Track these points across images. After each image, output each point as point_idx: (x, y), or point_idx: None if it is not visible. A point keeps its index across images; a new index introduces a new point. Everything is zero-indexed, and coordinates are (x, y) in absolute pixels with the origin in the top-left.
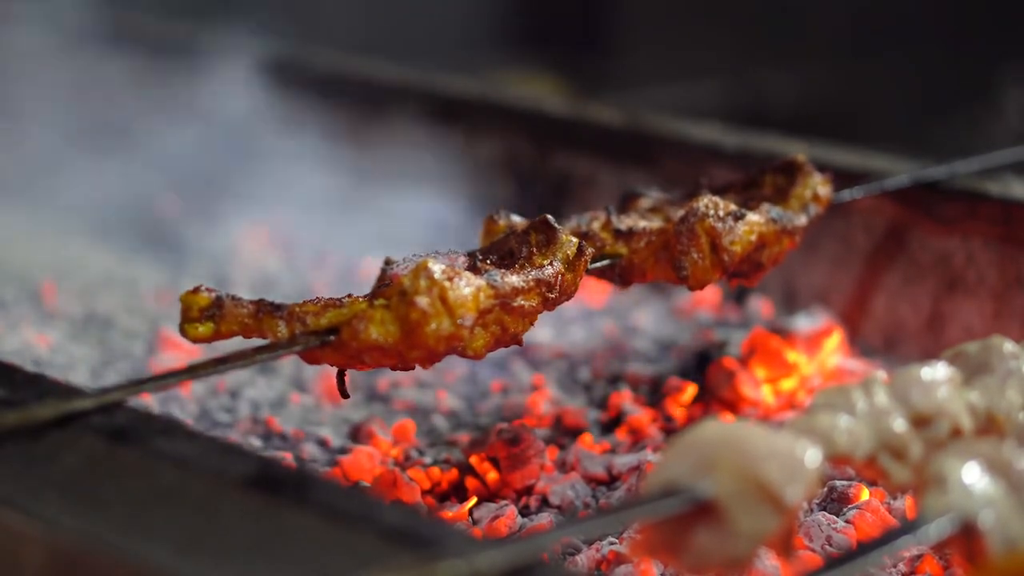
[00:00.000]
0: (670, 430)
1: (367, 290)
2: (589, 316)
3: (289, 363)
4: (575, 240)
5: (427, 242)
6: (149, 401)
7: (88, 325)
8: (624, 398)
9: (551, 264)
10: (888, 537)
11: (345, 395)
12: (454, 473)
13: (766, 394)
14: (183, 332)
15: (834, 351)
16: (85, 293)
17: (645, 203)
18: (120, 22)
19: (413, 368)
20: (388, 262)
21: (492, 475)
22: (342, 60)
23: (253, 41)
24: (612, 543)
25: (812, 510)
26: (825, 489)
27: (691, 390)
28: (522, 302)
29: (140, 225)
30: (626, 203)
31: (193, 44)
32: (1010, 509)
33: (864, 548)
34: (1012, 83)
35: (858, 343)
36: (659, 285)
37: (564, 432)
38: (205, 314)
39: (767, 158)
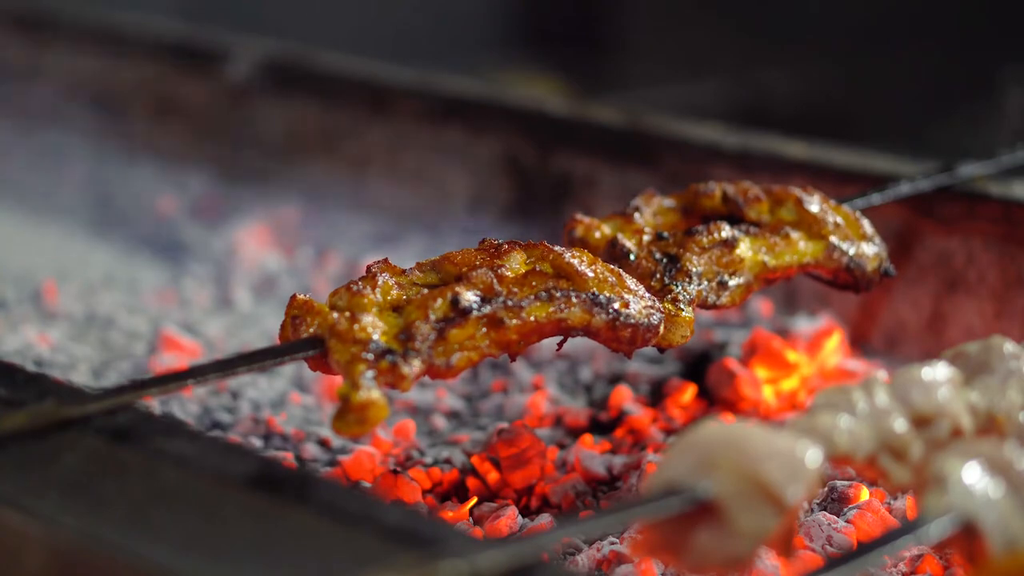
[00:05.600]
0: (670, 430)
1: None
2: None
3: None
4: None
5: (427, 241)
6: (150, 401)
7: (89, 325)
8: (624, 398)
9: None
10: (888, 537)
11: None
12: (455, 473)
13: (767, 394)
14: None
15: (835, 351)
16: (86, 293)
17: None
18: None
19: None
20: (369, 270)
21: (493, 475)
22: (342, 60)
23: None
24: (613, 543)
25: (812, 510)
26: (825, 489)
27: (691, 390)
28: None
29: (140, 225)
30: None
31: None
32: (1010, 509)
33: (864, 548)
34: (1013, 83)
35: (859, 343)
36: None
37: (564, 432)
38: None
39: (767, 158)
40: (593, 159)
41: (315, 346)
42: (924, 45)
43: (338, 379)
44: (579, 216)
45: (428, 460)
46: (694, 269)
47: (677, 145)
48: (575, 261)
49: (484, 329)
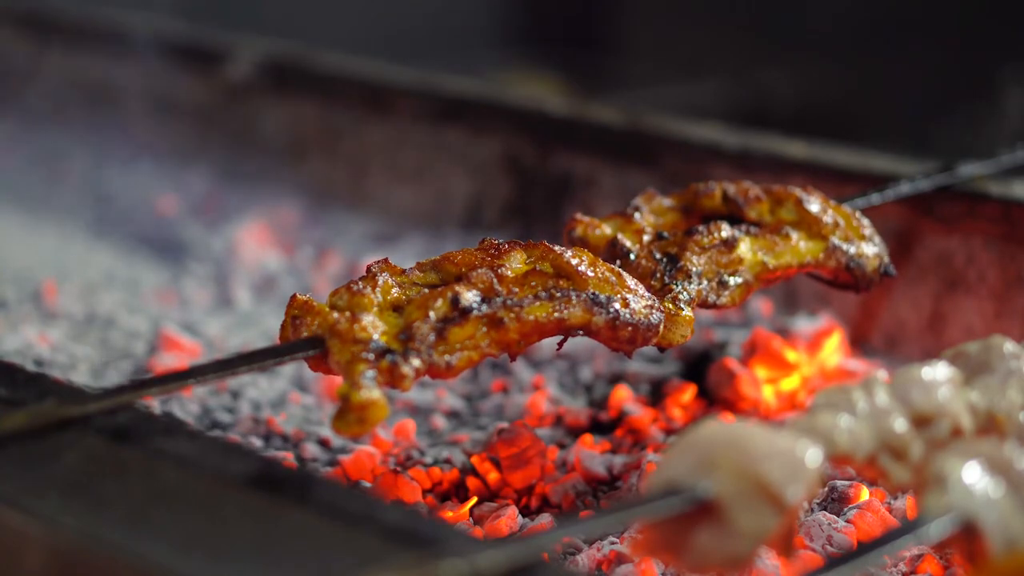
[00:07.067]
0: (670, 430)
1: None
2: None
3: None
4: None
5: (426, 241)
6: (150, 401)
7: (89, 324)
8: (624, 398)
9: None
10: (888, 537)
11: None
12: (455, 473)
13: (767, 394)
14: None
15: (835, 351)
16: (86, 293)
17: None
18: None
19: None
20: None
21: (493, 475)
22: (342, 60)
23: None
24: (613, 543)
25: (813, 510)
26: (826, 489)
27: (691, 390)
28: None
29: (140, 225)
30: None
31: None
32: (1010, 509)
33: (864, 548)
34: (1013, 83)
35: (859, 343)
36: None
37: (564, 432)
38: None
39: (767, 158)
40: (593, 159)
41: (315, 346)
42: (924, 45)
43: (338, 379)
44: (579, 216)
45: (428, 460)
46: (694, 269)
47: (677, 145)
48: (575, 261)
49: (484, 329)
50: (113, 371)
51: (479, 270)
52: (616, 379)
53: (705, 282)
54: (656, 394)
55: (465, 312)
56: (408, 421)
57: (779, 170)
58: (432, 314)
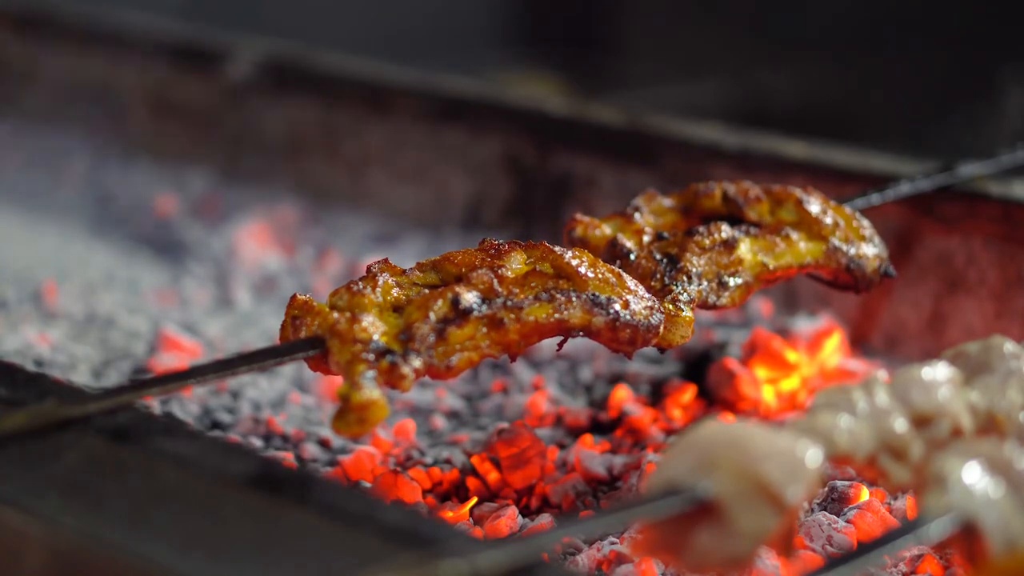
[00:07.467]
0: (670, 430)
1: None
2: None
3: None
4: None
5: (426, 241)
6: (150, 401)
7: (89, 325)
8: (624, 398)
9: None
10: (889, 537)
11: None
12: (455, 473)
13: (767, 394)
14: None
15: (835, 351)
16: (86, 293)
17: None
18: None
19: None
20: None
21: (493, 475)
22: (342, 60)
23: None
24: (613, 543)
25: (813, 510)
26: (826, 489)
27: (691, 390)
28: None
29: (140, 225)
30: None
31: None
32: (1010, 509)
33: (865, 548)
34: (1013, 83)
35: (859, 343)
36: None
37: (564, 432)
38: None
39: (767, 158)
40: (593, 159)
41: (315, 346)
42: (924, 45)
43: (338, 379)
44: (579, 216)
45: (428, 460)
46: (694, 269)
47: (677, 145)
48: (575, 262)
49: (484, 329)
50: (113, 371)
51: (479, 271)
52: (616, 379)
53: (705, 283)
54: (656, 394)
55: (465, 313)
56: (408, 421)
57: (779, 170)
58: (432, 315)
